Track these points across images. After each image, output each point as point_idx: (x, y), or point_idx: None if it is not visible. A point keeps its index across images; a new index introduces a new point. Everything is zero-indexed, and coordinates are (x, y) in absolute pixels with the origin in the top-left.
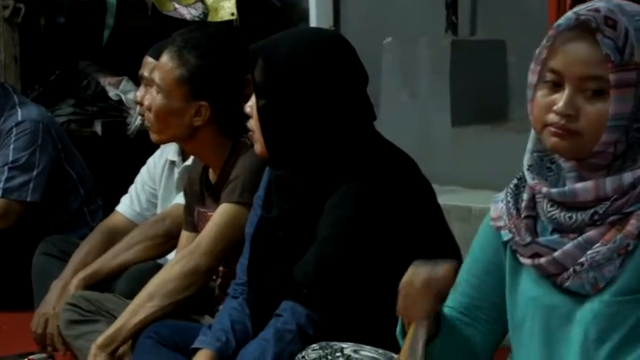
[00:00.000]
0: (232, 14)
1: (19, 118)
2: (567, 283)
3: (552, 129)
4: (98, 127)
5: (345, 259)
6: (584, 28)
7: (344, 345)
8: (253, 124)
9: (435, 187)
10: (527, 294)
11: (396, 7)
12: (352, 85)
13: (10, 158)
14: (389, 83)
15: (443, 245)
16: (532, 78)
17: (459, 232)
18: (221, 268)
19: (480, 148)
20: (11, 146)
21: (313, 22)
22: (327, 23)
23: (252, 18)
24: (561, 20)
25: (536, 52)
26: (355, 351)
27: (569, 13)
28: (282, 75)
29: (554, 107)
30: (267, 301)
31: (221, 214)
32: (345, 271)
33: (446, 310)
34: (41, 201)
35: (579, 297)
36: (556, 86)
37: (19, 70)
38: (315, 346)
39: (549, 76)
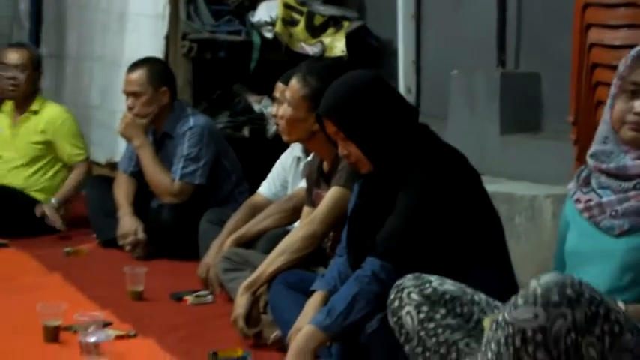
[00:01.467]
0: (342, 52)
1: (191, 124)
2: (603, 223)
3: (631, 125)
4: (246, 132)
5: (408, 227)
6: None
7: (431, 278)
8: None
9: (487, 178)
10: (580, 231)
11: (461, 46)
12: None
13: (185, 153)
14: (455, 103)
15: (485, 215)
16: (614, 90)
17: (503, 211)
18: (331, 234)
19: (520, 150)
20: (185, 144)
21: (401, 58)
22: (411, 59)
23: (357, 54)
24: (637, 48)
25: (619, 70)
26: (440, 283)
27: None
28: (356, 123)
29: (634, 110)
30: (360, 257)
31: (331, 194)
32: (408, 234)
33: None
34: (206, 184)
35: (611, 237)
36: (633, 94)
37: (191, 91)
38: (409, 276)
39: (630, 87)
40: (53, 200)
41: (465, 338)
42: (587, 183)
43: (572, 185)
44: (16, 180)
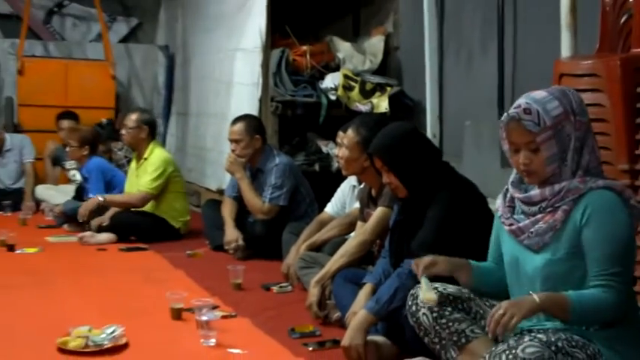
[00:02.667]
0: (386, 109)
1: (277, 162)
2: (524, 242)
3: (523, 172)
4: (317, 167)
5: (435, 235)
6: (515, 119)
7: (437, 285)
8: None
9: (491, 200)
10: (508, 248)
11: (472, 104)
12: (423, 146)
13: (272, 182)
14: (468, 145)
15: (489, 227)
16: (504, 146)
17: None
18: (378, 242)
19: None
20: (273, 176)
21: (429, 113)
22: (436, 114)
23: (396, 111)
24: (504, 117)
25: (500, 134)
26: (444, 288)
27: (506, 113)
28: (397, 160)
29: (519, 162)
30: (399, 259)
31: (378, 213)
32: (435, 241)
33: (490, 260)
34: (287, 205)
35: (531, 252)
36: (516, 151)
37: (277, 138)
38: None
39: (512, 145)
40: (101, 197)
41: (470, 327)
42: (511, 207)
43: (499, 204)
44: (147, 207)
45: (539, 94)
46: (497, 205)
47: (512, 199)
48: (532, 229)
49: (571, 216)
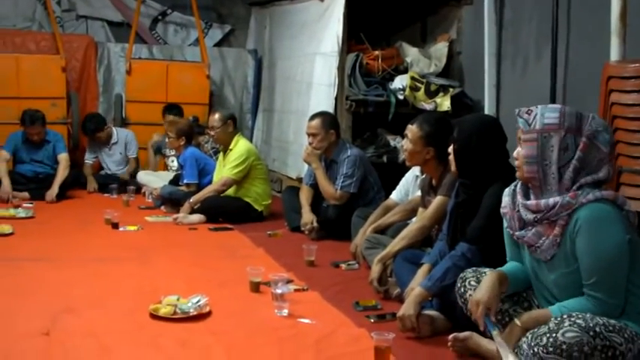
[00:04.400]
0: (448, 108)
1: (348, 154)
2: (536, 255)
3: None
4: (385, 159)
5: (488, 222)
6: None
7: (485, 270)
8: (451, 157)
9: None
10: (525, 255)
11: (526, 105)
12: (497, 141)
13: (344, 172)
14: None
15: None
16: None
17: None
18: (436, 226)
19: None
20: (345, 166)
21: (486, 111)
22: (492, 111)
23: (457, 110)
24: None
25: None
26: (490, 272)
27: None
28: (465, 135)
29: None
30: (455, 242)
31: (437, 200)
32: (488, 227)
33: (510, 258)
34: (357, 192)
35: (544, 264)
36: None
37: (351, 132)
38: (470, 270)
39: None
40: (192, 199)
41: (513, 306)
42: (519, 213)
43: (506, 203)
44: (230, 191)
45: (558, 105)
46: (504, 202)
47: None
48: (538, 244)
49: (567, 230)
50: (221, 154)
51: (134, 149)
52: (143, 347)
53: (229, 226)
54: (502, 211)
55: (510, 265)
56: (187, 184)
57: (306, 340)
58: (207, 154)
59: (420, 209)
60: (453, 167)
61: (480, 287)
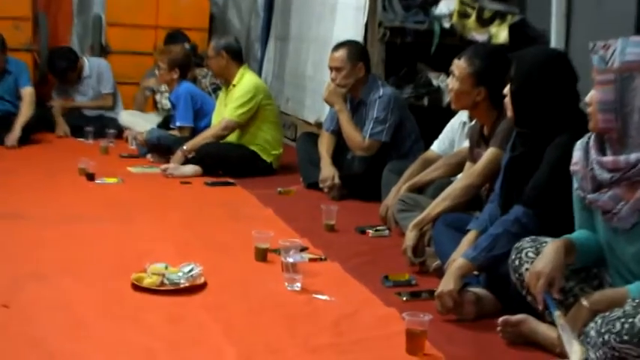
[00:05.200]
0: (505, 40)
1: (380, 93)
2: (612, 223)
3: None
4: (425, 101)
5: (550, 181)
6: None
7: (547, 239)
8: (507, 100)
9: None
10: (598, 223)
11: (602, 39)
12: (566, 82)
13: (374, 116)
14: None
15: None
16: None
17: None
18: (487, 185)
19: None
20: (375, 109)
21: (553, 43)
22: (560, 45)
23: (516, 42)
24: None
25: None
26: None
27: None
28: (525, 73)
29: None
30: (508, 204)
31: (489, 153)
32: (550, 188)
33: (578, 225)
34: (390, 141)
35: (621, 234)
36: None
37: (383, 67)
38: (527, 239)
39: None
40: (185, 146)
41: (579, 284)
42: (592, 171)
43: (578, 158)
44: (232, 137)
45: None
46: (575, 157)
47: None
48: (615, 209)
49: None
50: (222, 91)
51: (109, 83)
52: (123, 323)
53: (230, 180)
54: (572, 168)
55: (579, 234)
56: (180, 128)
57: (322, 320)
58: (206, 91)
59: (468, 164)
60: (509, 113)
61: (541, 256)
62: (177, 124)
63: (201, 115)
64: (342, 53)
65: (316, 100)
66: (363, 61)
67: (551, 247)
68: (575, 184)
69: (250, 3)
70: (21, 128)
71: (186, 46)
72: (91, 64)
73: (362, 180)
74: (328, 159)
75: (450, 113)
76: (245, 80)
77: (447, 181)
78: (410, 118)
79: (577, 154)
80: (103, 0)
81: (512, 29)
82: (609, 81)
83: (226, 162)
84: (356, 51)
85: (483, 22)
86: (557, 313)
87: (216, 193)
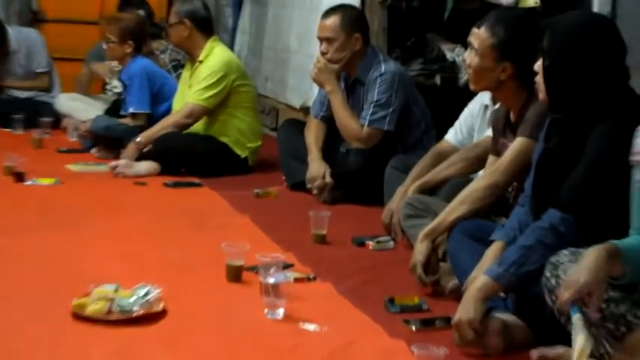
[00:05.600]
0: (536, 2)
1: (382, 70)
2: None
3: None
4: (438, 80)
5: (593, 178)
6: None
7: None
8: (539, 78)
9: None
10: None
11: None
12: (612, 54)
13: (375, 98)
14: None
15: None
16: None
17: None
18: (514, 184)
19: None
20: (376, 90)
21: (596, 7)
22: (605, 9)
23: (550, 5)
24: None
25: None
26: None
27: None
28: (562, 44)
29: None
30: (542, 208)
31: (517, 144)
32: (592, 187)
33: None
34: (394, 130)
35: None
36: None
37: (386, 37)
38: (565, 251)
39: None
40: (139, 137)
41: (632, 309)
42: None
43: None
44: (198, 127)
45: None
46: (636, 147)
47: None
48: None
49: None
50: (186, 68)
51: (43, 60)
52: None
53: (196, 180)
54: (633, 159)
55: (633, 240)
56: (133, 115)
57: (311, 355)
58: (165, 69)
59: (491, 158)
60: (541, 94)
61: (578, 264)
62: (130, 110)
63: (160, 99)
64: (334, 21)
65: (302, 79)
66: (360, 30)
67: (591, 253)
68: (638, 176)
69: None
70: None
71: (141, 12)
72: (18, 35)
73: (359, 179)
74: (317, 153)
75: (469, 95)
76: (214, 56)
77: (465, 179)
78: (419, 101)
79: (638, 141)
80: None
81: None
82: None
83: (191, 157)
84: (351, 18)
85: None
86: (576, 316)
87: (178, 196)
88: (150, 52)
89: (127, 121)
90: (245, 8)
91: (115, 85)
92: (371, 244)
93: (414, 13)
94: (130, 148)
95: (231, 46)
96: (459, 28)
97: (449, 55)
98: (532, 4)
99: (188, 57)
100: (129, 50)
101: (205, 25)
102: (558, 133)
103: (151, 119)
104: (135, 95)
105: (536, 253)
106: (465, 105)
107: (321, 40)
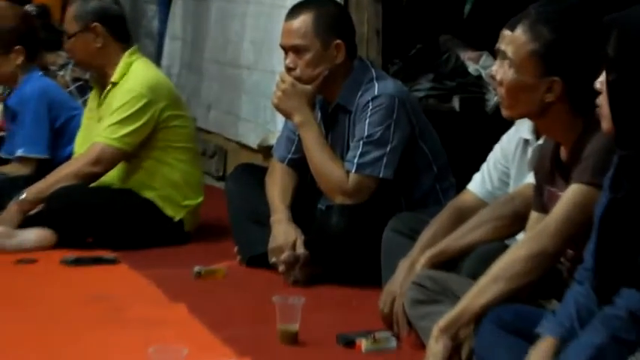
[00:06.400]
0: None
1: (376, 93)
2: None
3: None
4: (456, 103)
5: None
6: None
7: None
8: (602, 99)
9: None
10: None
11: None
12: None
13: (365, 133)
14: None
15: None
16: None
17: None
18: (570, 252)
19: None
20: (367, 120)
21: None
22: None
23: None
24: None
25: None
26: None
27: None
28: (635, 51)
29: None
30: (613, 287)
31: (571, 194)
32: None
33: None
34: (394, 177)
35: None
36: None
37: (380, 44)
38: None
39: None
40: (25, 193)
41: None
42: None
43: None
44: (111, 177)
45: None
46: None
47: None
48: None
49: None
50: (93, 93)
51: None
52: None
53: (109, 255)
54: None
55: None
56: (22, 160)
57: None
58: (68, 91)
59: (534, 215)
60: (605, 122)
61: None
62: (18, 152)
63: (64, 139)
64: (304, 21)
65: (260, 106)
66: (342, 34)
67: None
68: None
69: None
70: None
71: (31, 9)
72: None
73: (345, 248)
74: (285, 212)
75: (501, 125)
76: (133, 75)
77: (498, 245)
78: (430, 135)
79: None
80: None
81: None
82: None
83: (100, 222)
84: (329, 17)
85: None
86: None
87: (82, 277)
88: (44, 67)
89: (11, 168)
90: (177, 3)
91: None
92: (364, 343)
93: (421, 9)
94: (11, 210)
95: (157, 59)
96: (484, 28)
97: (472, 68)
98: None
99: (96, 77)
100: (19, 61)
101: (120, 31)
102: (631, 177)
103: (48, 167)
104: (27, 130)
105: (611, 355)
106: (495, 139)
107: (287, 49)
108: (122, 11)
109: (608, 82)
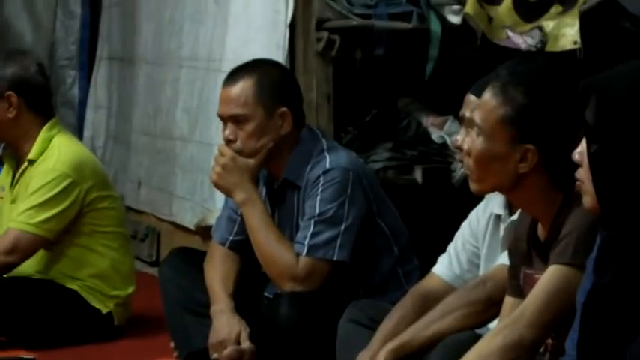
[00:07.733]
0: (575, 43)
1: (327, 166)
2: None
3: None
4: (418, 175)
5: None
6: None
7: None
8: (583, 174)
9: None
10: None
11: None
12: None
13: (317, 211)
14: None
15: None
16: None
17: None
18: (549, 341)
19: None
20: (318, 197)
21: None
22: None
23: (599, 47)
24: None
25: None
26: None
27: None
28: (620, 115)
29: None
30: None
31: (550, 277)
32: None
33: None
34: (350, 260)
35: None
36: None
37: (331, 111)
38: None
39: None
40: None
41: None
42: None
43: None
44: (30, 266)
45: None
46: None
47: None
48: None
49: None
50: (4, 173)
51: None
52: None
53: (26, 355)
54: None
55: None
56: None
57: None
58: None
59: (509, 300)
60: (587, 197)
61: None
62: None
63: None
64: (244, 87)
65: (197, 182)
66: (287, 101)
67: None
68: None
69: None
70: None
71: None
72: None
73: (296, 341)
74: (227, 301)
75: (469, 199)
76: (54, 152)
77: (469, 335)
78: (389, 212)
79: None
80: None
81: (587, 20)
82: None
83: (16, 317)
84: (273, 82)
85: (527, 12)
86: None
87: None
88: None
89: None
90: (100, 68)
91: None
92: None
93: (377, 69)
94: None
95: (79, 130)
96: (448, 89)
97: (435, 135)
98: (569, 45)
99: (9, 153)
100: None
101: (41, 103)
102: (617, 261)
103: None
104: None
105: None
106: (463, 216)
107: (225, 119)
108: (45, 82)
109: (590, 155)
